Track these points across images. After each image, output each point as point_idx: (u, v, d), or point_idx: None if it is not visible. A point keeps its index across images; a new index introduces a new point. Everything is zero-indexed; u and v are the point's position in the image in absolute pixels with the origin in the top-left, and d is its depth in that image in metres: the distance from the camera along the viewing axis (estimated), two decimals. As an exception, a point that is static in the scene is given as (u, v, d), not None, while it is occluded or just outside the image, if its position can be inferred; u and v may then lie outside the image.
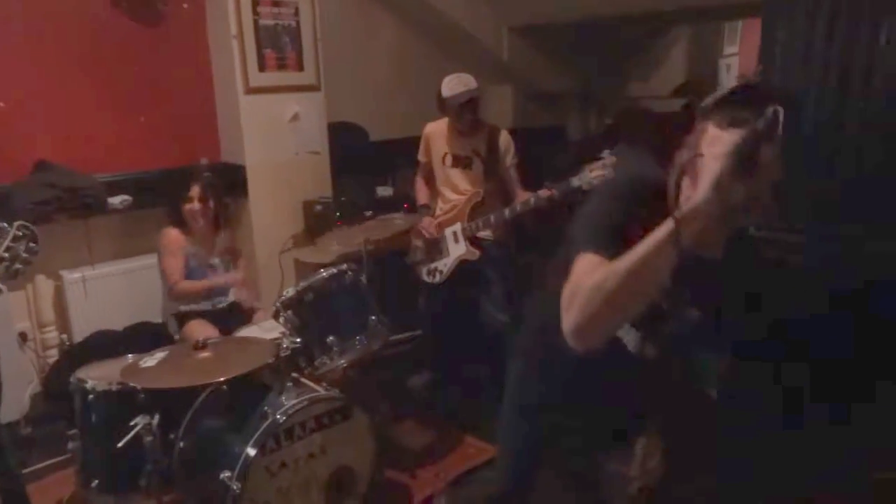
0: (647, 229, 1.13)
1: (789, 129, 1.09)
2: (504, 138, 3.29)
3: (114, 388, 2.25)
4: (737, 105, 1.17)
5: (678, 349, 1.47)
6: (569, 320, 1.22)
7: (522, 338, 1.79)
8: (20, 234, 1.51)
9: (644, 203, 1.26)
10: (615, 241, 1.21)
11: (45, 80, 3.23)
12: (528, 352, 1.74)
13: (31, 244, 1.54)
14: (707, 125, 1.20)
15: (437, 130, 3.38)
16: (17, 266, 1.51)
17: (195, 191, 3.05)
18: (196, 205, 3.04)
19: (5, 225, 1.57)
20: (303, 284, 2.46)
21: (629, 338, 1.43)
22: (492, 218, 3.17)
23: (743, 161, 1.07)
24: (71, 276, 3.25)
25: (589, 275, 1.20)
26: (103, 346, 3.12)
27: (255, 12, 3.64)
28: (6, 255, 1.48)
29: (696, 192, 1.10)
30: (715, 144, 1.12)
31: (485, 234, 3.27)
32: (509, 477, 1.90)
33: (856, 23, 1.81)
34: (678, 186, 1.15)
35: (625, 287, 1.14)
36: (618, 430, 1.61)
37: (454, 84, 3.16)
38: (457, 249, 3.28)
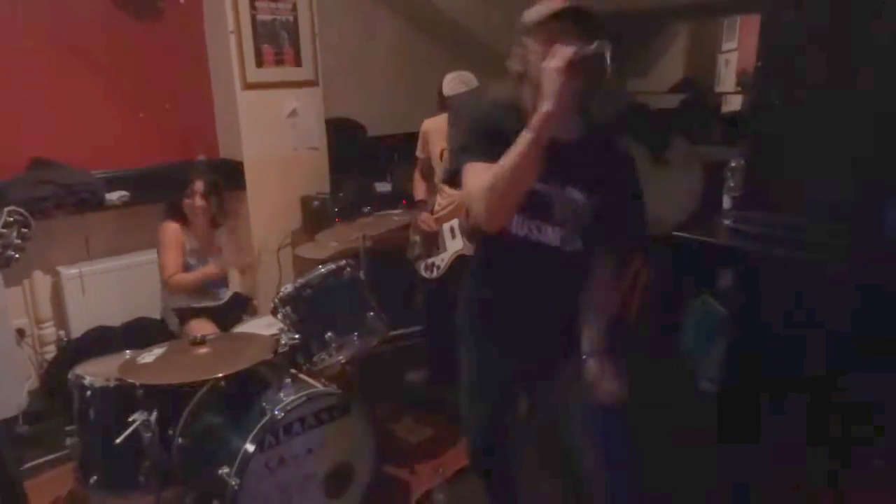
0: (508, 137, 1.44)
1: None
2: (502, 135, 3.28)
3: (112, 384, 2.25)
4: (560, 24, 1.48)
5: (588, 237, 1.67)
6: (479, 212, 1.52)
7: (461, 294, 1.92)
8: (11, 219, 1.47)
9: (501, 118, 1.59)
10: (490, 149, 1.50)
11: (40, 75, 3.21)
12: (466, 296, 1.89)
13: (24, 229, 1.49)
14: (529, 40, 1.53)
15: (435, 126, 3.37)
16: (10, 253, 1.46)
17: (198, 186, 3.04)
18: (198, 200, 3.02)
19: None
20: (300, 281, 2.46)
21: (550, 235, 1.66)
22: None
23: (575, 73, 1.37)
24: (68, 272, 3.24)
25: (480, 177, 1.49)
26: (101, 342, 3.11)
27: (252, 7, 3.62)
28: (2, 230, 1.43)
29: (542, 101, 1.38)
30: (549, 60, 1.39)
31: (483, 229, 3.26)
32: (476, 436, 1.99)
33: (854, 18, 1.81)
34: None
35: (511, 180, 1.43)
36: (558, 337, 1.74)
37: (455, 84, 3.15)
38: (454, 245, 3.27)
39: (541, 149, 1.40)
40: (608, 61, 1.39)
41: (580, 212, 1.63)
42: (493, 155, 1.48)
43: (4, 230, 1.44)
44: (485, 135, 1.59)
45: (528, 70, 1.54)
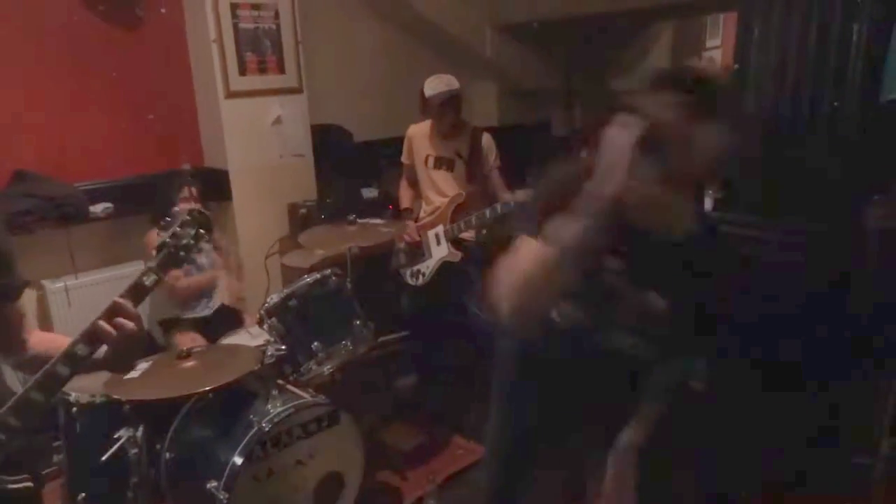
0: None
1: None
2: (486, 140, 3.29)
3: (97, 400, 2.24)
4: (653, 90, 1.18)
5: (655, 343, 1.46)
6: (508, 298, 1.31)
7: (504, 341, 1.79)
8: (189, 218, 1.37)
9: (570, 187, 1.29)
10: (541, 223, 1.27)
11: (22, 88, 3.18)
12: (509, 355, 1.75)
13: (201, 231, 1.37)
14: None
15: (419, 132, 3.38)
16: (182, 254, 1.36)
17: (188, 191, 3.03)
18: (192, 204, 3.01)
19: (176, 209, 1.44)
20: (286, 291, 2.45)
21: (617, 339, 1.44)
22: (473, 219, 3.16)
23: (647, 152, 1.09)
24: (54, 286, 3.22)
25: (528, 255, 1.29)
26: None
27: (234, 16, 3.61)
28: (171, 240, 1.35)
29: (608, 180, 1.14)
30: (624, 130, 1.14)
31: (467, 235, 3.27)
32: (497, 476, 1.91)
33: (828, 21, 1.82)
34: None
35: (564, 260, 1.21)
36: (601, 430, 1.62)
37: (436, 83, 3.16)
38: (439, 251, 3.28)
39: (603, 231, 1.17)
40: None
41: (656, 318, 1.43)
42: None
43: (181, 229, 1.35)
44: (550, 207, 1.33)
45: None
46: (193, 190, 3.03)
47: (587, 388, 1.52)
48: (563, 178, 1.40)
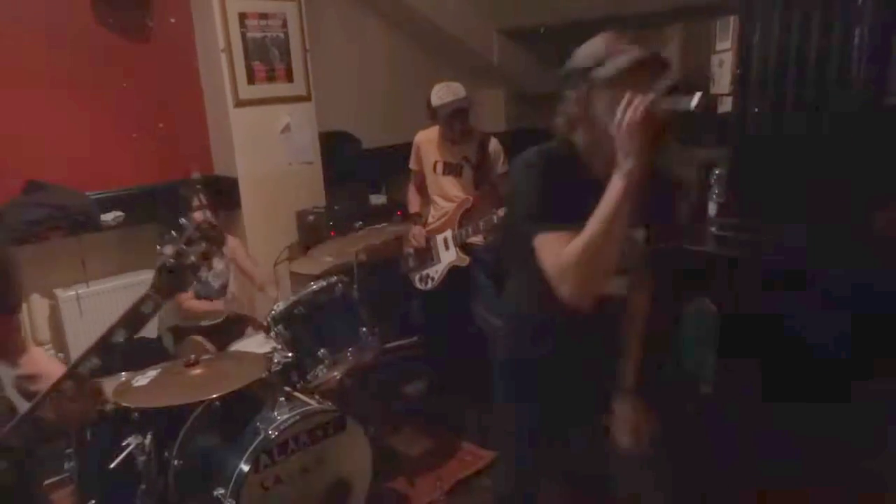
0: (574, 191, 1.37)
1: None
2: (494, 145, 3.30)
3: (107, 408, 2.26)
4: (642, 74, 1.36)
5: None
6: (566, 290, 1.41)
7: (503, 332, 1.84)
8: (198, 235, 1.29)
9: (559, 171, 1.48)
10: (558, 214, 1.42)
11: (35, 99, 3.24)
12: (510, 339, 1.80)
13: (210, 247, 1.30)
14: (603, 92, 1.40)
15: (427, 138, 3.39)
16: (187, 275, 1.28)
17: (199, 199, 3.04)
18: (205, 212, 3.02)
19: (185, 222, 1.34)
20: (292, 298, 2.47)
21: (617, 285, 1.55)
22: (481, 224, 3.17)
23: (655, 125, 1.28)
24: (66, 294, 3.27)
25: (560, 249, 1.40)
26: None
27: (242, 25, 3.65)
28: (173, 261, 1.27)
29: (621, 159, 1.30)
30: (629, 111, 1.29)
31: (475, 239, 3.27)
32: (510, 478, 1.92)
33: (829, 25, 1.81)
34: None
35: (604, 247, 1.35)
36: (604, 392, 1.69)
37: (443, 93, 3.17)
38: (447, 256, 3.28)
39: (627, 211, 1.33)
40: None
41: (643, 252, 1.58)
42: (564, 215, 1.40)
43: (187, 247, 1.27)
44: (552, 197, 1.47)
45: (595, 118, 1.43)
46: (204, 198, 3.04)
47: (587, 348, 1.61)
48: (549, 163, 1.51)
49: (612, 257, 1.39)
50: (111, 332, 1.23)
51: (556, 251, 1.42)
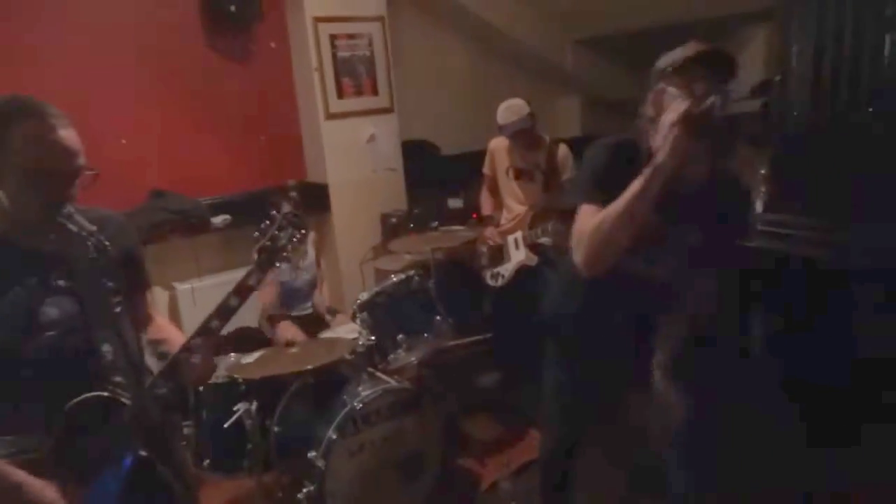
0: (625, 179, 1.43)
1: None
2: (563, 152, 3.48)
3: (220, 380, 2.63)
4: (694, 68, 1.43)
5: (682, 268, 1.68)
6: (579, 257, 1.55)
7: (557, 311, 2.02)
8: (286, 222, 1.46)
9: (620, 160, 1.58)
10: (602, 192, 1.53)
11: (155, 117, 3.71)
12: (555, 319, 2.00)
13: (296, 233, 1.47)
14: (665, 86, 1.47)
15: (500, 145, 3.62)
16: (281, 255, 1.46)
17: (289, 202, 3.33)
18: (291, 205, 3.31)
19: (275, 213, 1.51)
20: (375, 289, 2.77)
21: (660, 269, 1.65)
22: (550, 226, 3.37)
23: (694, 127, 1.31)
24: (182, 287, 3.73)
25: (589, 220, 1.53)
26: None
27: (332, 46, 4.03)
28: (269, 244, 1.45)
29: (657, 154, 1.36)
30: (671, 111, 1.36)
31: (545, 240, 3.48)
32: (555, 437, 2.15)
33: (862, 32, 1.91)
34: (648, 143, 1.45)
35: (617, 225, 1.45)
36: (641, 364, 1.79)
37: (507, 114, 3.37)
38: (517, 255, 3.50)
39: (650, 200, 1.39)
40: (722, 118, 1.32)
41: (695, 246, 1.63)
42: (610, 195, 1.48)
43: (279, 233, 1.46)
44: (603, 177, 1.58)
45: (658, 116, 1.48)
46: (293, 199, 3.35)
47: (619, 320, 1.73)
48: (615, 151, 1.64)
49: (621, 238, 1.47)
50: (228, 298, 1.54)
51: (584, 221, 1.55)
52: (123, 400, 1.44)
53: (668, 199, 1.43)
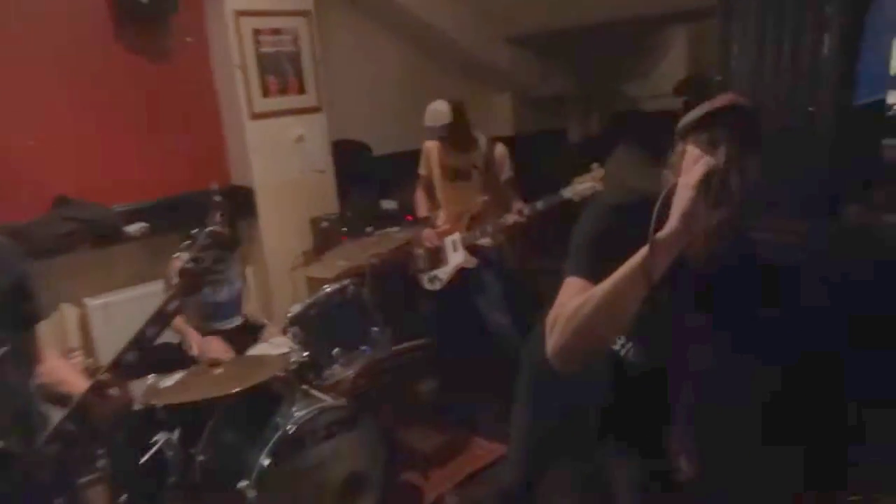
0: (627, 250, 1.15)
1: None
2: (500, 151, 3.41)
3: (136, 408, 2.40)
4: (715, 123, 1.23)
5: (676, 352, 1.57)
6: (550, 343, 1.26)
7: (533, 347, 1.81)
8: (209, 241, 1.39)
9: (626, 225, 1.21)
10: (597, 265, 1.24)
11: (59, 117, 3.39)
12: (539, 361, 1.84)
13: (220, 252, 1.40)
14: (686, 145, 1.25)
15: (435, 145, 3.50)
16: (203, 279, 1.38)
17: (220, 211, 3.12)
18: (219, 221, 3.10)
19: (197, 230, 1.44)
20: (307, 301, 2.60)
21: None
22: (488, 228, 3.29)
23: (711, 192, 1.09)
24: (94, 302, 3.43)
25: (570, 298, 1.25)
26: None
27: (255, 41, 3.81)
28: (191, 265, 1.37)
29: (668, 222, 1.11)
30: (688, 173, 1.12)
31: (483, 241, 3.39)
32: (519, 471, 2.01)
33: (800, 33, 1.91)
34: (660, 213, 1.13)
35: (597, 317, 1.17)
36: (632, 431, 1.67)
37: (429, 116, 3.27)
38: (455, 258, 3.40)
39: (653, 276, 1.12)
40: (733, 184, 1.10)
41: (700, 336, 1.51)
42: (604, 269, 1.20)
43: (202, 254, 1.38)
44: (600, 246, 1.33)
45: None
46: (222, 211, 3.13)
47: (615, 399, 1.60)
48: (620, 214, 1.39)
49: (606, 330, 1.23)
50: (145, 328, 1.36)
51: (565, 298, 1.28)
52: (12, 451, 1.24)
53: (673, 282, 1.20)
